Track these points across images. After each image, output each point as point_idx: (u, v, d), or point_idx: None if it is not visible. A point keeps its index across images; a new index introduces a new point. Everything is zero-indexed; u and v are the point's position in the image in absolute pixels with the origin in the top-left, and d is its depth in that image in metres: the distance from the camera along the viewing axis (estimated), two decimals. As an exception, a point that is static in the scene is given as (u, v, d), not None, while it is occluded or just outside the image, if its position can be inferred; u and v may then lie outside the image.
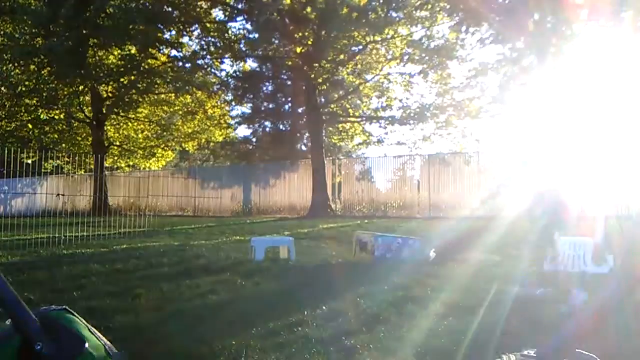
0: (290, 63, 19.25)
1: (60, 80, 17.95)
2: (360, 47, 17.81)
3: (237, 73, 20.70)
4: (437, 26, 17.52)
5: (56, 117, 21.70)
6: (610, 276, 3.85)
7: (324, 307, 3.01)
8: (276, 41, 19.44)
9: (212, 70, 19.50)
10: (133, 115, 21.87)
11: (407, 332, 2.45)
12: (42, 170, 19.44)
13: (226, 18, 18.52)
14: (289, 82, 21.42)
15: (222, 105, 21.97)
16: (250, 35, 18.13)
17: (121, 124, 22.82)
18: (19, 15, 17.17)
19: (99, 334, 1.06)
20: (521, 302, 2.98)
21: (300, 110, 22.38)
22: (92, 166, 19.82)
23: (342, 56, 17.75)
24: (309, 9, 15.82)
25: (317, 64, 17.00)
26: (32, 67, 18.46)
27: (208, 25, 17.78)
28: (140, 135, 23.32)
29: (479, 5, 14.59)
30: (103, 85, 19.39)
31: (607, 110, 13.77)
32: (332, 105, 20.76)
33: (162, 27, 17.17)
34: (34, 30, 17.38)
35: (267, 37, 17.19)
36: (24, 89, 19.60)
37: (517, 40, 15.42)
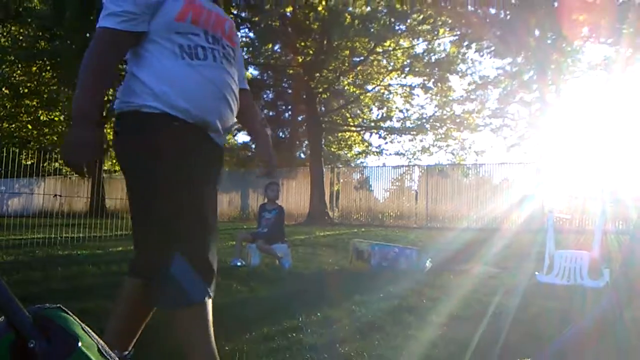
0: (291, 72, 19.34)
1: (65, 85, 17.97)
2: (362, 57, 17.92)
3: (239, 80, 20.77)
4: (439, 39, 17.68)
5: (56, 119, 21.70)
6: (606, 290, 3.84)
7: (318, 314, 3.00)
8: (278, 50, 19.54)
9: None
10: (133, 119, 21.87)
11: (402, 341, 2.45)
12: (41, 173, 19.38)
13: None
14: (290, 91, 21.52)
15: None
16: (255, 44, 18.22)
17: (121, 128, 22.82)
18: (24, 17, 17.24)
19: (92, 333, 1.06)
20: None
21: (300, 118, 22.48)
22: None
23: (344, 66, 17.82)
24: (311, 15, 15.87)
25: (318, 74, 17.08)
26: (34, 68, 18.49)
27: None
28: (139, 139, 23.30)
29: (480, 20, 14.73)
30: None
31: (606, 125, 13.85)
32: (332, 114, 20.84)
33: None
34: (38, 34, 17.42)
35: (268, 43, 17.22)
36: (25, 90, 19.62)
37: (517, 56, 15.56)
